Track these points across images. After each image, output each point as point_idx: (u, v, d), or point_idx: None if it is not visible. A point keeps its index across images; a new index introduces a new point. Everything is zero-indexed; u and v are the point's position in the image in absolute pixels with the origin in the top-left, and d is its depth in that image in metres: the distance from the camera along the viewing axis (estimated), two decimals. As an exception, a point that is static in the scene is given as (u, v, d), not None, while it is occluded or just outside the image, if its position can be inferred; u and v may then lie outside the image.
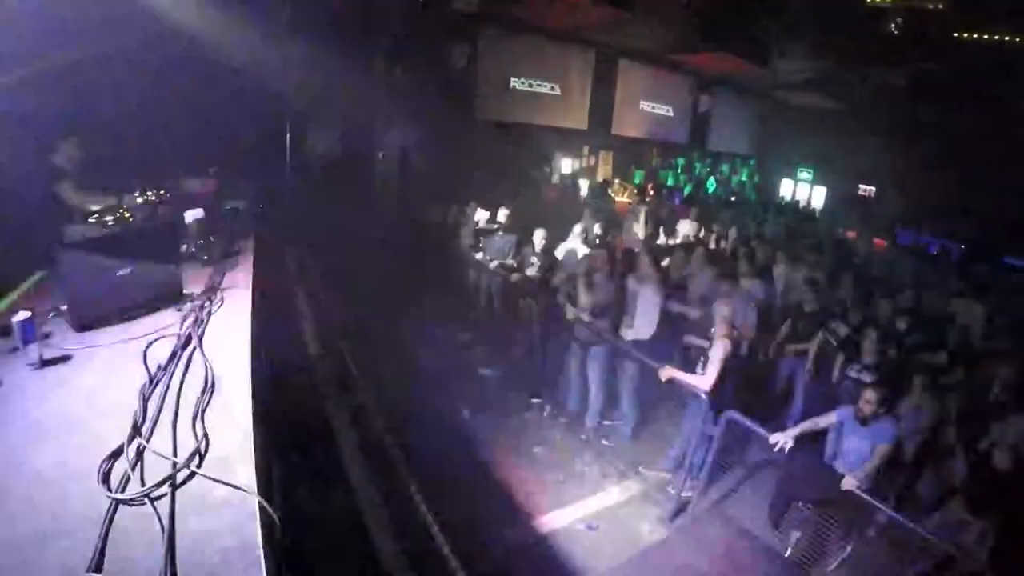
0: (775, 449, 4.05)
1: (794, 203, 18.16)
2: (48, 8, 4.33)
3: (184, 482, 1.77)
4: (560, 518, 4.40)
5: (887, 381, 4.41)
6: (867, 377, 4.89)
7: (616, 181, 15.48)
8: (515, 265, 7.30)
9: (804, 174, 19.80)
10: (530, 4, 10.94)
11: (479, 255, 7.63)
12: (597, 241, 7.91)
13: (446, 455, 4.75)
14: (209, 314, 3.00)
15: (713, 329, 4.65)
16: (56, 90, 4.50)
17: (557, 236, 7.35)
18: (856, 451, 4.15)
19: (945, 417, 4.70)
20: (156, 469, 1.80)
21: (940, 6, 12.28)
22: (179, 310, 3.02)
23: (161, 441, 1.95)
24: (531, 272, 7.02)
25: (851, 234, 12.50)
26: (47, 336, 2.58)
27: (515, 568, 3.80)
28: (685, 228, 9.23)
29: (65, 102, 4.53)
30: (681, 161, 17.48)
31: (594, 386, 5.58)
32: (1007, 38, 11.99)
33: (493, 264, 7.37)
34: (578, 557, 4.01)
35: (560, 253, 7.12)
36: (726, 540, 4.41)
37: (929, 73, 13.48)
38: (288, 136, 8.09)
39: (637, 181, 16.04)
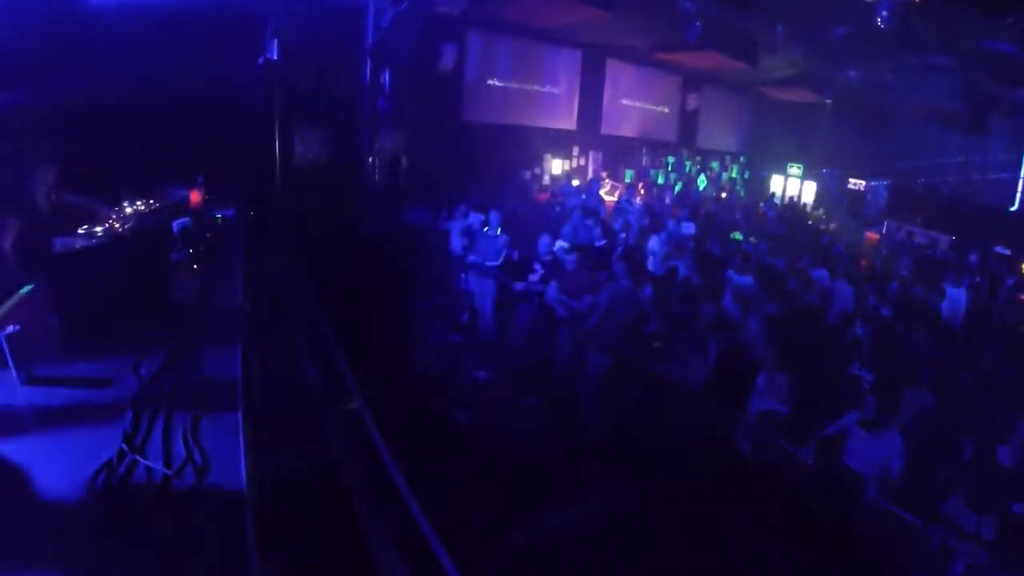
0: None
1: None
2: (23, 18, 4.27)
3: (175, 492, 1.77)
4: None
5: (889, 379, 4.37)
6: (868, 376, 4.76)
7: (606, 179, 15.48)
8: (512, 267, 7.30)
9: (794, 169, 19.88)
10: (515, 4, 10.94)
11: (471, 257, 7.62)
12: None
13: (440, 459, 4.73)
14: (199, 322, 3.00)
15: None
16: (38, 99, 4.44)
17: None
18: (865, 456, 4.14)
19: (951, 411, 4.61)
20: (148, 479, 1.80)
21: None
22: (169, 319, 3.01)
23: (153, 451, 1.95)
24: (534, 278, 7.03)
25: (832, 226, 12.68)
26: (36, 350, 2.56)
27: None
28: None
29: (48, 110, 4.47)
30: (671, 159, 17.50)
31: None
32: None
33: (487, 266, 7.37)
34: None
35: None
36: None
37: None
38: (276, 142, 8.05)
39: (627, 180, 16.06)
